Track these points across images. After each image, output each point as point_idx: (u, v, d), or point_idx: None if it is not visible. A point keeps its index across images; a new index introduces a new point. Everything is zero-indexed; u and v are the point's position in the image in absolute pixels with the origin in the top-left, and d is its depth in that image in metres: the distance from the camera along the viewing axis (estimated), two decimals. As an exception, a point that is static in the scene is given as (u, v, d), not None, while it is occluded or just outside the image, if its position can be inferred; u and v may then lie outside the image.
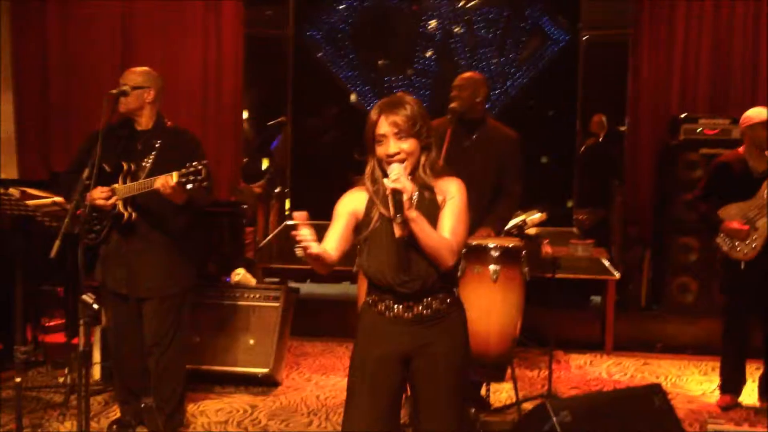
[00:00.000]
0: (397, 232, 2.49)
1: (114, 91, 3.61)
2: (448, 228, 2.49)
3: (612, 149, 6.62)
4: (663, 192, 6.11)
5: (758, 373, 4.61)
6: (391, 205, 2.37)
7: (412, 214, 2.37)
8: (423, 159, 2.53)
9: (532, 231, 4.38)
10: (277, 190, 7.12)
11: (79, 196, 3.30)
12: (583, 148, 6.64)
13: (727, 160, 4.50)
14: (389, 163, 2.46)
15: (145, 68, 3.82)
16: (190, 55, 6.57)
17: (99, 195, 3.54)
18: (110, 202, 3.57)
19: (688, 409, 4.43)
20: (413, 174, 2.51)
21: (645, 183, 6.34)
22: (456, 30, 7.02)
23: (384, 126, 2.47)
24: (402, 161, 2.46)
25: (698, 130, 5.84)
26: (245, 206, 5.94)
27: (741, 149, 4.47)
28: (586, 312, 6.18)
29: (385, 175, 2.43)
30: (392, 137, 2.47)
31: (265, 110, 7.16)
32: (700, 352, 5.45)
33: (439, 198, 2.53)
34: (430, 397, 2.57)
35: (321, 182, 7.10)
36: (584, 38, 6.56)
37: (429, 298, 2.53)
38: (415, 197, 2.48)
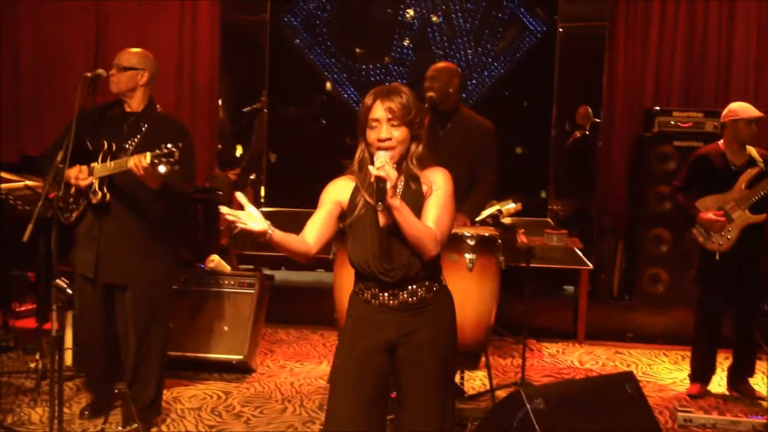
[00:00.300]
0: (381, 220, 2.48)
1: (89, 74, 3.54)
2: (433, 218, 2.49)
3: (597, 141, 6.65)
4: (636, 183, 6.17)
5: (727, 363, 4.69)
6: (374, 193, 2.37)
7: (395, 202, 2.36)
8: (412, 149, 2.52)
9: (507, 220, 4.39)
10: (252, 177, 7.07)
11: (52, 179, 3.25)
12: (570, 140, 6.68)
13: (706, 153, 4.54)
14: (378, 149, 2.45)
15: (141, 50, 3.75)
16: (165, 42, 6.51)
17: (75, 173, 3.49)
18: (86, 181, 3.51)
19: (658, 397, 4.50)
20: (401, 164, 2.50)
21: (619, 174, 6.41)
22: (434, 19, 7.01)
23: (379, 111, 2.46)
24: (391, 149, 2.46)
25: (672, 123, 5.90)
26: (220, 193, 5.91)
27: (720, 142, 4.52)
28: (559, 301, 6.24)
29: (372, 162, 2.43)
30: (385, 123, 2.46)
31: (241, 97, 7.08)
32: (670, 342, 5.53)
33: (425, 188, 2.52)
34: (415, 389, 2.54)
35: (296, 169, 7.07)
36: (561, 30, 6.59)
37: (414, 286, 2.52)
38: (400, 186, 2.48)
